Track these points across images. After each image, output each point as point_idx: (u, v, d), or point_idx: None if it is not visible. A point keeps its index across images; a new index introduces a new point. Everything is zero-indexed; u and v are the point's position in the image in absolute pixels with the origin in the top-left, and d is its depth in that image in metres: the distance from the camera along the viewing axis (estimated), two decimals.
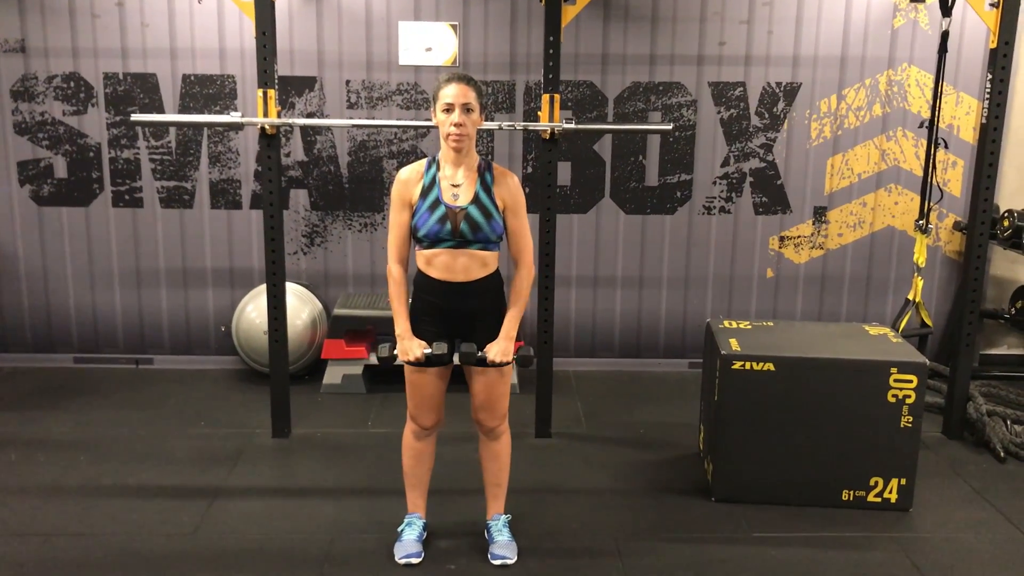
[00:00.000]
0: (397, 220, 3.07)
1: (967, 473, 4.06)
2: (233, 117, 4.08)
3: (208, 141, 5.13)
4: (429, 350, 3.02)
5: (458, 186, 3.02)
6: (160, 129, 5.09)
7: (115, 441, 4.27)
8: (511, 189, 3.07)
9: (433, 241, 3.01)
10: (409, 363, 3.08)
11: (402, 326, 3.07)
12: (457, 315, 3.08)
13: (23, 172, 5.13)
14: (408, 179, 3.05)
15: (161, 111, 5.06)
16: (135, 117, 4.17)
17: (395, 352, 3.07)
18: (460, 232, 2.99)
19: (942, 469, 4.09)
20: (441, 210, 2.99)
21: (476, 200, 3.01)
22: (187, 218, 5.22)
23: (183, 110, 5.07)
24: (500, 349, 3.04)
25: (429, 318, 3.10)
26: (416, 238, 3.06)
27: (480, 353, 3.03)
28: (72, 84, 5.04)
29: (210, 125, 5.06)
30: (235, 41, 5.01)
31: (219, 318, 5.34)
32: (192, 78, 5.05)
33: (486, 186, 3.04)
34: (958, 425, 4.42)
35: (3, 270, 5.26)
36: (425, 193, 3.02)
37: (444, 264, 3.03)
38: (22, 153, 5.11)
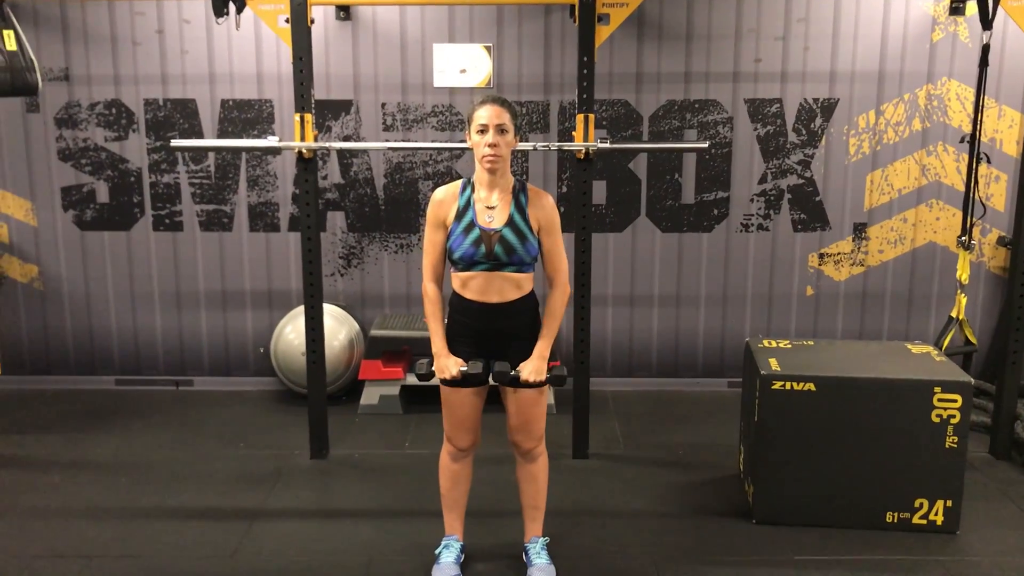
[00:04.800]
0: (432, 239, 3.09)
1: (1015, 494, 3.96)
2: (270, 141, 4.13)
3: (246, 165, 5.20)
4: (465, 368, 3.03)
5: (493, 208, 3.01)
6: (199, 154, 5.17)
7: (155, 463, 4.31)
8: (546, 209, 3.06)
9: (468, 264, 3.01)
10: (445, 381, 3.09)
11: (438, 344, 3.09)
12: (492, 336, 3.07)
13: (66, 197, 5.23)
14: (443, 200, 3.06)
15: (200, 136, 5.14)
16: (175, 143, 4.23)
17: (433, 369, 3.09)
18: (495, 255, 2.98)
19: (989, 490, 4.00)
20: (475, 233, 2.99)
21: (511, 222, 3.00)
22: (226, 241, 5.29)
23: (221, 134, 5.14)
24: (533, 368, 3.03)
25: (464, 339, 3.10)
26: (451, 260, 3.06)
27: (513, 372, 3.03)
28: (114, 111, 5.13)
29: (248, 150, 5.13)
30: (272, 66, 5.08)
31: (258, 340, 5.38)
32: (230, 103, 5.12)
33: (520, 207, 3.03)
34: (1005, 445, 4.32)
35: (47, 294, 5.36)
36: (460, 215, 3.02)
37: (479, 286, 3.02)
38: (65, 179, 5.21)
